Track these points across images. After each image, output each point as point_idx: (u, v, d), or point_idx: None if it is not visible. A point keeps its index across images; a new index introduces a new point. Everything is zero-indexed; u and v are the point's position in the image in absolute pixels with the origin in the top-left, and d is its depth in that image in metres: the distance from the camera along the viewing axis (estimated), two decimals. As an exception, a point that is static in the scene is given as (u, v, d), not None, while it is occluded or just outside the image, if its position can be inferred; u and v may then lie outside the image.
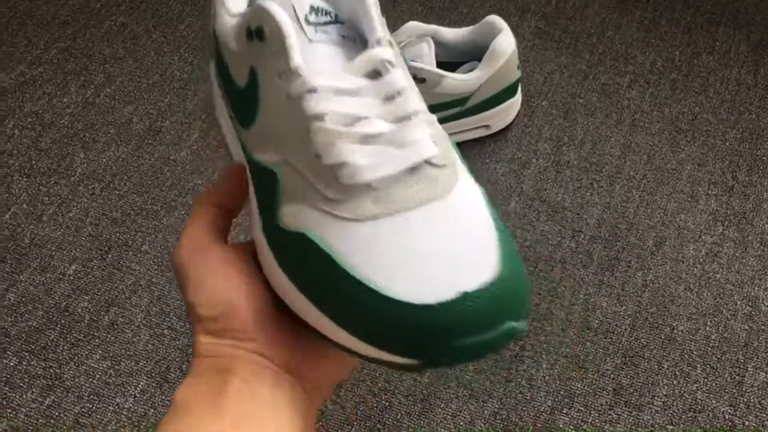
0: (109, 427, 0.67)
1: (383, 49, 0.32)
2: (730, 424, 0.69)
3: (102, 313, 0.74)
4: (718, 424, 0.69)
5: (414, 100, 0.32)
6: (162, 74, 0.94)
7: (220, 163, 0.86)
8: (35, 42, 0.97)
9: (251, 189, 0.36)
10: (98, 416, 0.68)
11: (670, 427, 0.69)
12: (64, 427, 0.67)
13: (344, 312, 0.30)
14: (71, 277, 0.76)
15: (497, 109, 0.87)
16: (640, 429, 0.69)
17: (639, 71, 0.96)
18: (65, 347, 0.72)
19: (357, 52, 0.34)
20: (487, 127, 0.88)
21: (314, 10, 0.34)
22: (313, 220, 0.31)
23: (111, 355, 0.71)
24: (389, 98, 0.32)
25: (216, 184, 0.36)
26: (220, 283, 0.32)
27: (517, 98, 0.89)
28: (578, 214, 0.83)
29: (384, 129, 0.31)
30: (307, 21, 0.34)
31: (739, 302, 0.77)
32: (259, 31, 0.33)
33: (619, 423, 0.69)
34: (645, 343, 0.74)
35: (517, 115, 0.90)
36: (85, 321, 0.74)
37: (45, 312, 0.74)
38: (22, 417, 0.68)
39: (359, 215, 0.30)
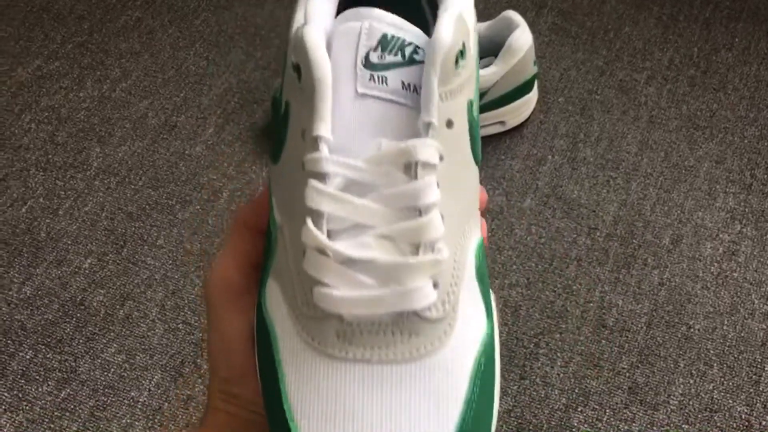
0: (124, 421, 0.68)
1: (425, 143, 0.26)
2: (746, 423, 0.69)
3: (117, 307, 0.74)
4: (734, 424, 0.69)
5: (433, 226, 0.26)
6: (177, 69, 0.94)
7: (237, 158, 0.86)
8: (52, 36, 0.98)
9: None
10: (113, 409, 0.68)
11: (686, 426, 0.68)
12: (80, 420, 0.68)
13: None
14: (87, 271, 0.77)
15: (513, 105, 0.86)
16: (655, 428, 0.68)
17: (657, 67, 0.96)
18: (81, 341, 0.72)
19: (410, 116, 0.27)
20: (502, 123, 0.87)
21: (386, 43, 0.27)
22: (282, 325, 0.28)
23: (126, 348, 0.72)
24: (406, 212, 0.26)
25: (252, 202, 0.33)
26: (241, 346, 0.31)
27: (534, 94, 0.89)
28: (594, 212, 0.82)
29: (378, 258, 0.26)
30: (366, 62, 0.27)
31: (756, 301, 0.76)
32: (297, 67, 0.27)
33: (634, 422, 0.69)
34: (661, 341, 0.73)
35: (533, 112, 0.90)
36: (101, 315, 0.74)
37: (61, 305, 0.75)
38: (38, 410, 0.68)
39: (320, 345, 0.26)
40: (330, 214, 0.26)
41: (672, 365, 0.72)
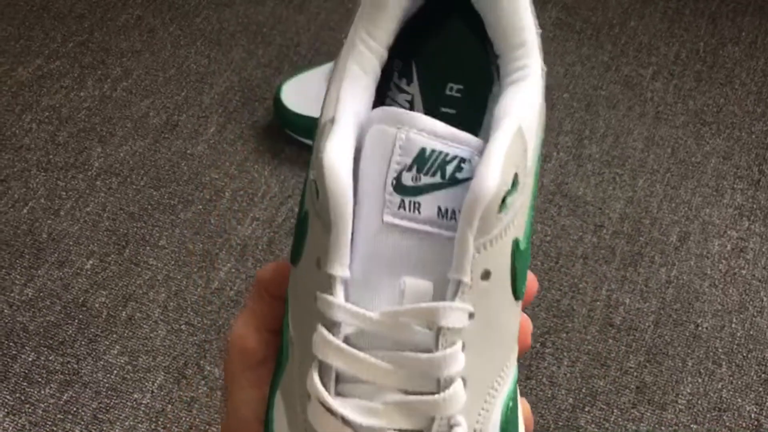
0: (127, 423, 0.67)
1: (451, 307, 0.23)
2: (755, 423, 0.68)
3: (119, 308, 0.74)
4: (743, 423, 0.68)
5: (453, 401, 0.23)
6: (179, 68, 0.94)
7: (239, 157, 0.85)
8: (52, 36, 0.97)
9: None
10: (116, 412, 0.68)
11: (695, 426, 0.68)
12: (82, 423, 0.67)
13: None
14: (89, 272, 0.76)
15: (517, 102, 0.86)
16: (663, 428, 0.68)
17: (663, 62, 0.95)
18: (83, 342, 0.72)
19: (443, 247, 0.24)
20: (507, 120, 0.87)
21: (423, 161, 0.23)
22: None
23: (128, 350, 0.71)
24: (423, 380, 0.23)
25: (274, 267, 0.31)
26: (254, 427, 0.29)
27: (538, 90, 0.88)
28: (600, 209, 0.81)
29: (386, 430, 0.23)
30: (397, 184, 0.24)
31: (765, 298, 0.75)
32: (314, 183, 0.24)
33: (642, 421, 0.68)
34: (669, 340, 0.72)
35: (537, 108, 0.89)
36: (103, 316, 0.73)
37: (63, 307, 0.74)
38: (41, 412, 0.68)
39: None
40: (337, 368, 0.24)
41: (680, 364, 0.71)
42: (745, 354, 0.72)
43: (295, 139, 0.85)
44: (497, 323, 0.25)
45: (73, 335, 0.72)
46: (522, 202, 0.24)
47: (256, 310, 0.30)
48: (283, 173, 0.84)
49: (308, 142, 0.85)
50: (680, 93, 0.92)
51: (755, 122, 0.89)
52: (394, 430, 0.23)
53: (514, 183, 0.23)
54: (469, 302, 0.23)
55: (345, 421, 0.23)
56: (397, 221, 0.24)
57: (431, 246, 0.24)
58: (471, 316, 0.23)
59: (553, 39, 0.97)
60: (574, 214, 0.81)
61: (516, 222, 0.24)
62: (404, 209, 0.23)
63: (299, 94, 0.85)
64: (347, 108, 0.25)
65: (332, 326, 0.23)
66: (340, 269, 0.23)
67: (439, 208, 0.23)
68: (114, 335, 0.72)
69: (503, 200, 0.23)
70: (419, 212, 0.23)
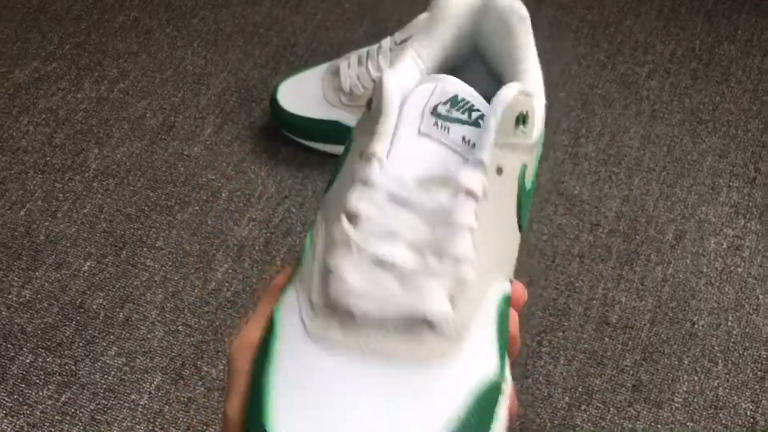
0: (125, 424, 0.67)
1: (472, 172, 0.28)
2: (751, 420, 0.68)
3: (117, 309, 0.74)
4: (739, 421, 0.68)
5: (462, 242, 0.27)
6: (175, 69, 0.94)
7: (236, 158, 0.86)
8: (49, 38, 0.97)
9: None
10: (113, 413, 0.68)
11: (691, 424, 0.68)
12: (80, 424, 0.67)
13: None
14: (86, 274, 0.76)
15: (513, 101, 0.86)
16: (659, 426, 0.68)
17: (658, 61, 0.95)
18: (80, 344, 0.72)
19: (465, 165, 0.29)
20: (503, 119, 0.87)
21: (455, 101, 0.30)
22: (288, 320, 0.28)
23: (126, 351, 0.71)
24: (440, 227, 0.28)
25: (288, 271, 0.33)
26: None
27: (534, 90, 0.88)
28: (596, 208, 0.81)
29: (400, 260, 0.27)
30: (433, 110, 0.29)
31: (761, 296, 0.75)
32: (371, 101, 0.31)
33: (638, 420, 0.68)
34: (665, 338, 0.72)
35: (533, 107, 0.89)
36: (100, 318, 0.74)
37: (60, 309, 0.74)
38: (38, 414, 0.68)
39: (320, 335, 0.27)
40: (366, 217, 0.28)
41: (676, 362, 0.71)
42: (741, 352, 0.72)
43: (292, 139, 0.85)
44: (502, 227, 0.29)
45: (71, 337, 0.72)
46: (528, 146, 0.30)
47: (269, 310, 0.31)
48: (279, 174, 0.84)
49: (305, 142, 0.85)
50: (676, 91, 0.92)
51: (751, 120, 0.89)
52: (411, 268, 0.27)
53: (525, 119, 0.30)
54: (486, 179, 0.28)
55: (364, 258, 0.27)
56: (430, 133, 0.29)
57: (456, 160, 0.29)
58: (485, 195, 0.28)
59: (549, 38, 0.97)
60: (571, 212, 0.81)
61: (524, 155, 0.30)
62: (437, 128, 0.29)
63: (296, 94, 0.85)
64: (401, 73, 0.32)
65: (368, 186, 0.28)
66: (381, 150, 0.29)
67: (464, 137, 0.29)
68: (111, 336, 0.72)
69: (516, 121, 0.29)
70: (448, 133, 0.29)
